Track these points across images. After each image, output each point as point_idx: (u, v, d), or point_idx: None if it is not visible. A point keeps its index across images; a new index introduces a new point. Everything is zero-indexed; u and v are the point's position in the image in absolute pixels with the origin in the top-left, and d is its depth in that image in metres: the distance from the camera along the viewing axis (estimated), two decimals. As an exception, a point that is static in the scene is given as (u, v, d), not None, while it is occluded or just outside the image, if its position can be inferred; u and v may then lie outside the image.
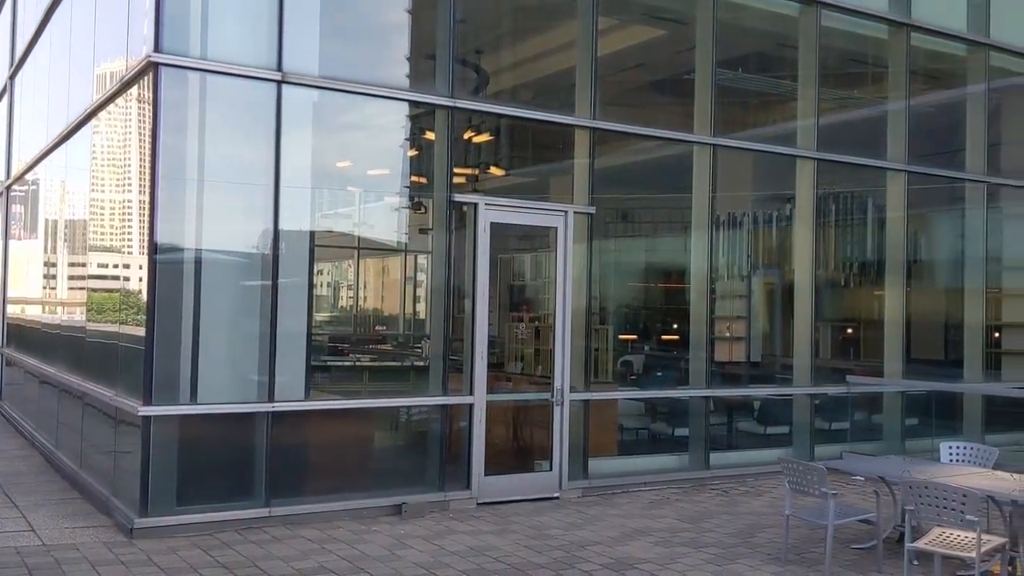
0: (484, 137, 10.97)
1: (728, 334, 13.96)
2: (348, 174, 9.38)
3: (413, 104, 9.10)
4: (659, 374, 13.24)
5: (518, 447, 9.89)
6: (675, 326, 12.70)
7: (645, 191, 14.40)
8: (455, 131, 9.09)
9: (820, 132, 11.06)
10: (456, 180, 9.21)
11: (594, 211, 9.61)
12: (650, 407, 11.52)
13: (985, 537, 6.08)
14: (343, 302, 13.08)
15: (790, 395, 11.21)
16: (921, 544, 6.27)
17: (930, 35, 12.06)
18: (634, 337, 14.86)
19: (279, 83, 7.92)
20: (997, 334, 13.42)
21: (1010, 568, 6.56)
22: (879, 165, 11.80)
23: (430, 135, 9.14)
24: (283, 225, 7.97)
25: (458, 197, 8.89)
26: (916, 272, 13.20)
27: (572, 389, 9.32)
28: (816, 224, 11.27)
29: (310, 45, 8.37)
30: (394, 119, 9.31)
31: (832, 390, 11.32)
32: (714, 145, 10.41)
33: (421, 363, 9.97)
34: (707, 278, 10.60)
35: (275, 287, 7.88)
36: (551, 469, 9.19)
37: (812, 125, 11.06)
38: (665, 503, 9.10)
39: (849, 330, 15.03)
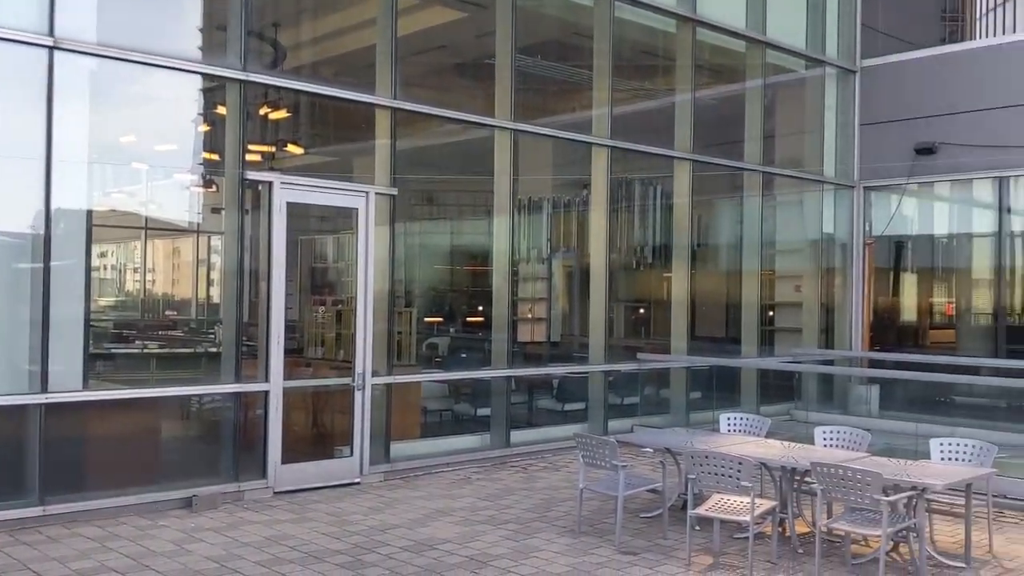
0: (281, 114, 10.62)
1: (530, 315, 14.32)
2: (133, 149, 8.82)
3: (204, 77, 8.64)
4: (463, 356, 13.39)
5: (318, 433, 9.70)
6: (480, 308, 12.87)
7: (449, 173, 14.47)
8: (248, 106, 8.72)
9: (614, 121, 11.47)
10: (251, 157, 8.87)
11: (396, 192, 9.53)
12: (454, 389, 11.63)
13: (758, 501, 6.55)
14: (129, 286, 12.30)
15: (586, 373, 11.62)
16: (702, 510, 6.68)
17: (714, 31, 12.78)
18: (439, 319, 14.95)
19: (51, 49, 7.31)
20: (772, 313, 14.51)
21: (780, 528, 7.12)
22: (667, 154, 12.40)
23: (222, 110, 8.74)
24: (57, 203, 7.38)
25: (252, 175, 8.55)
26: (701, 255, 14.03)
27: (374, 373, 9.23)
28: (610, 209, 11.70)
29: (88, 9, 7.77)
30: (184, 92, 8.81)
31: (624, 367, 11.86)
32: (514, 130, 10.57)
33: (214, 349, 9.56)
34: (509, 261, 10.78)
35: (47, 270, 7.30)
36: (352, 454, 9.07)
37: (606, 114, 11.47)
38: (467, 483, 9.21)
39: (641, 310, 15.80)
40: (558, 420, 11.67)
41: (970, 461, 7.10)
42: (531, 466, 10.11)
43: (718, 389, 12.45)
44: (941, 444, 7.30)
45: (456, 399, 11.55)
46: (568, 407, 11.76)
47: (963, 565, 6.54)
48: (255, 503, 8.11)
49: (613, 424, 11.42)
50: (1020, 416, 10.13)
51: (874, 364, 14.20)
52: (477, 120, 10.65)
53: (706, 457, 6.55)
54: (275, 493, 8.39)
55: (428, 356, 13.21)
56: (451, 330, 14.65)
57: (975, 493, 6.77)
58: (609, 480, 7.32)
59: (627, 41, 12.30)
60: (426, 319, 14.21)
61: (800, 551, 6.85)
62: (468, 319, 14.24)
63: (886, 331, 15.08)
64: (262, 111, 10.18)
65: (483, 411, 10.79)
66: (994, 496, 7.52)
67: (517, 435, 10.66)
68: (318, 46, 12.00)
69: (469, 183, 13.82)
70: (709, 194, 13.82)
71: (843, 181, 14.59)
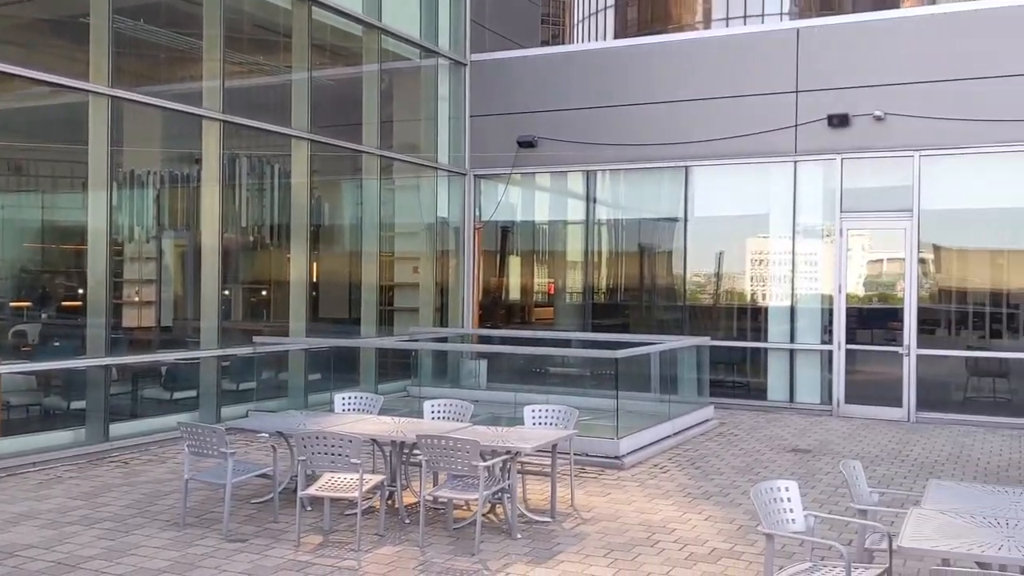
0: None
1: (137, 299, 13.33)
2: None
3: None
4: (57, 344, 12.14)
5: None
6: (80, 291, 11.73)
7: (40, 141, 13.00)
8: None
9: (228, 94, 11.04)
10: None
11: (-35, 160, 8.36)
12: (44, 381, 10.50)
13: (367, 477, 6.70)
14: None
15: (197, 359, 11.10)
16: (311, 491, 6.69)
17: (331, 12, 12.78)
18: (28, 304, 13.39)
19: None
20: (392, 293, 14.93)
21: (389, 501, 7.35)
22: (284, 132, 12.20)
23: None
24: None
25: None
26: (323, 236, 14.02)
27: (-63, 365, 8.04)
28: (225, 186, 11.27)
29: None
30: None
31: (240, 351, 11.51)
32: (113, 97, 9.75)
33: None
34: (107, 239, 9.95)
35: None
36: (-90, 460, 7.85)
37: (218, 87, 11.00)
38: (56, 482, 8.38)
39: (263, 292, 15.43)
40: (167, 410, 11.05)
41: (556, 425, 7.85)
42: (134, 460, 9.45)
43: (337, 370, 12.55)
44: (532, 411, 7.99)
45: (46, 392, 10.44)
46: (178, 395, 11.18)
47: (549, 519, 7.23)
48: None
49: (227, 411, 11.05)
50: (600, 383, 11.41)
51: (483, 340, 15.19)
52: (70, 84, 9.65)
53: (317, 437, 6.56)
54: None
55: (15, 345, 11.79)
56: (43, 315, 13.20)
57: (560, 453, 7.50)
58: (218, 469, 7.07)
59: (241, 13, 11.88)
60: (12, 304, 12.67)
61: (407, 521, 7.13)
62: (64, 303, 12.93)
63: (495, 309, 16.20)
64: None
65: (78, 404, 9.88)
66: (576, 455, 8.42)
67: (118, 428, 9.93)
68: None
69: (64, 152, 12.53)
70: (329, 175, 13.84)
71: (456, 168, 15.38)
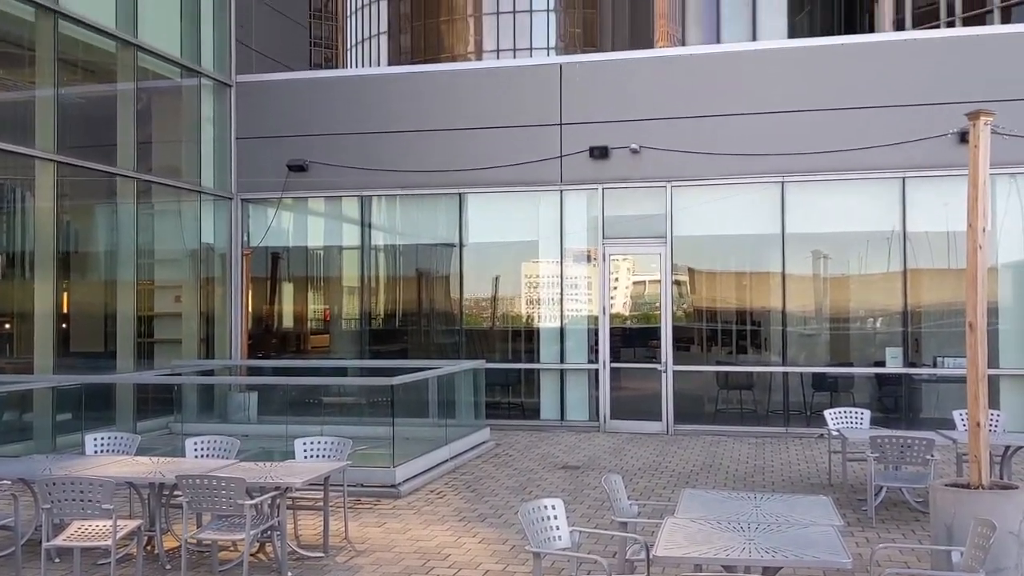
0: None
1: None
2: None
3: None
4: None
5: None
6: None
7: None
8: None
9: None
10: None
11: None
12: None
13: (122, 522, 6.25)
14: None
15: (-77, 402, 9.93)
16: (58, 541, 6.15)
17: (80, 26, 11.95)
18: None
19: None
20: (152, 324, 14.05)
21: (148, 547, 6.89)
22: (27, 152, 11.24)
23: None
24: None
25: None
26: (74, 264, 12.99)
27: None
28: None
29: None
30: None
31: (-26, 392, 10.41)
32: None
33: None
34: None
35: None
36: None
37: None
38: None
39: (6, 325, 14.07)
40: None
41: (329, 456, 7.69)
42: None
43: (90, 408, 11.62)
44: (304, 443, 7.78)
45: None
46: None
47: (322, 554, 7.04)
48: None
49: (-41, 458, 9.92)
50: (377, 410, 11.29)
51: (252, 371, 14.64)
52: None
53: (63, 483, 6.04)
54: None
55: None
56: None
57: (333, 485, 7.35)
58: (-57, 524, 6.34)
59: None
60: None
61: (168, 567, 6.71)
62: None
63: (267, 338, 15.67)
64: None
65: None
66: (351, 486, 8.28)
67: None
68: None
69: None
70: (81, 199, 12.88)
71: (221, 192, 14.79)
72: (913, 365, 12.93)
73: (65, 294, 11.77)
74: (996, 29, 18.33)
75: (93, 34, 12.27)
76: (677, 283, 13.79)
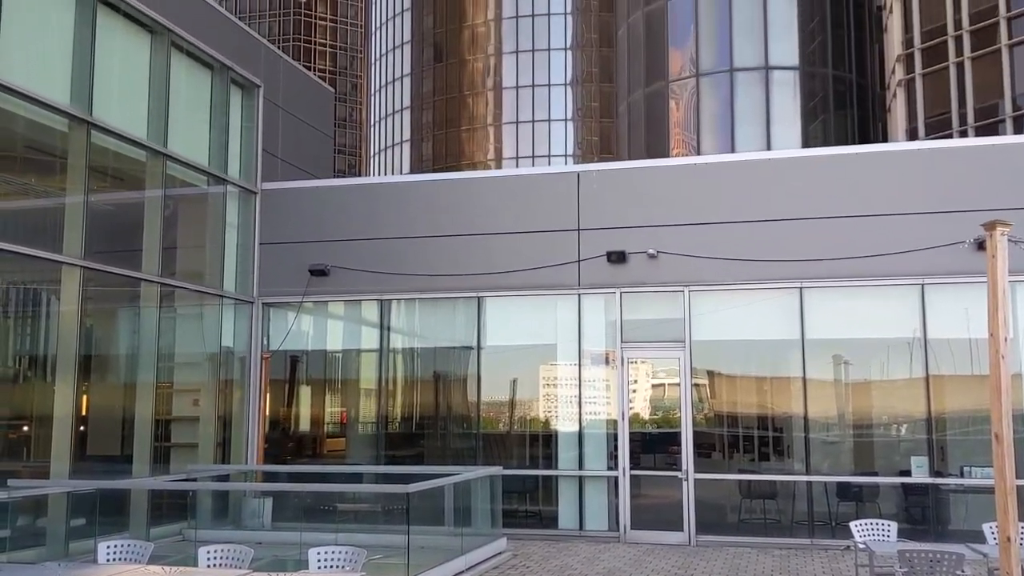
0: None
1: None
2: None
3: None
4: None
5: None
6: None
7: None
8: None
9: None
10: None
11: None
12: None
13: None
14: None
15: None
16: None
17: (112, 136, 12.35)
18: None
19: None
20: (169, 428, 14.02)
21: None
22: (54, 258, 11.46)
23: None
24: None
25: None
26: (95, 367, 13.08)
27: None
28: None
29: None
30: None
31: (-10, 497, 10.36)
32: None
33: None
34: None
35: None
36: None
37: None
38: None
39: (24, 428, 14.09)
40: None
41: (343, 567, 7.54)
42: None
43: (104, 514, 11.54)
44: (318, 553, 7.65)
45: None
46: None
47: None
48: None
49: (-29, 565, 9.81)
50: (392, 518, 11.13)
51: (267, 477, 14.51)
52: None
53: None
54: None
55: None
56: None
57: (347, 597, 7.19)
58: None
59: (7, 131, 11.24)
60: None
61: None
62: None
63: (283, 442, 15.58)
64: None
65: None
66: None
67: None
68: None
69: None
70: (105, 302, 13.06)
71: (242, 296, 14.96)
72: (939, 474, 12.65)
73: (85, 397, 11.80)
74: (1010, 139, 18.64)
75: (124, 144, 12.65)
76: (697, 387, 13.68)
